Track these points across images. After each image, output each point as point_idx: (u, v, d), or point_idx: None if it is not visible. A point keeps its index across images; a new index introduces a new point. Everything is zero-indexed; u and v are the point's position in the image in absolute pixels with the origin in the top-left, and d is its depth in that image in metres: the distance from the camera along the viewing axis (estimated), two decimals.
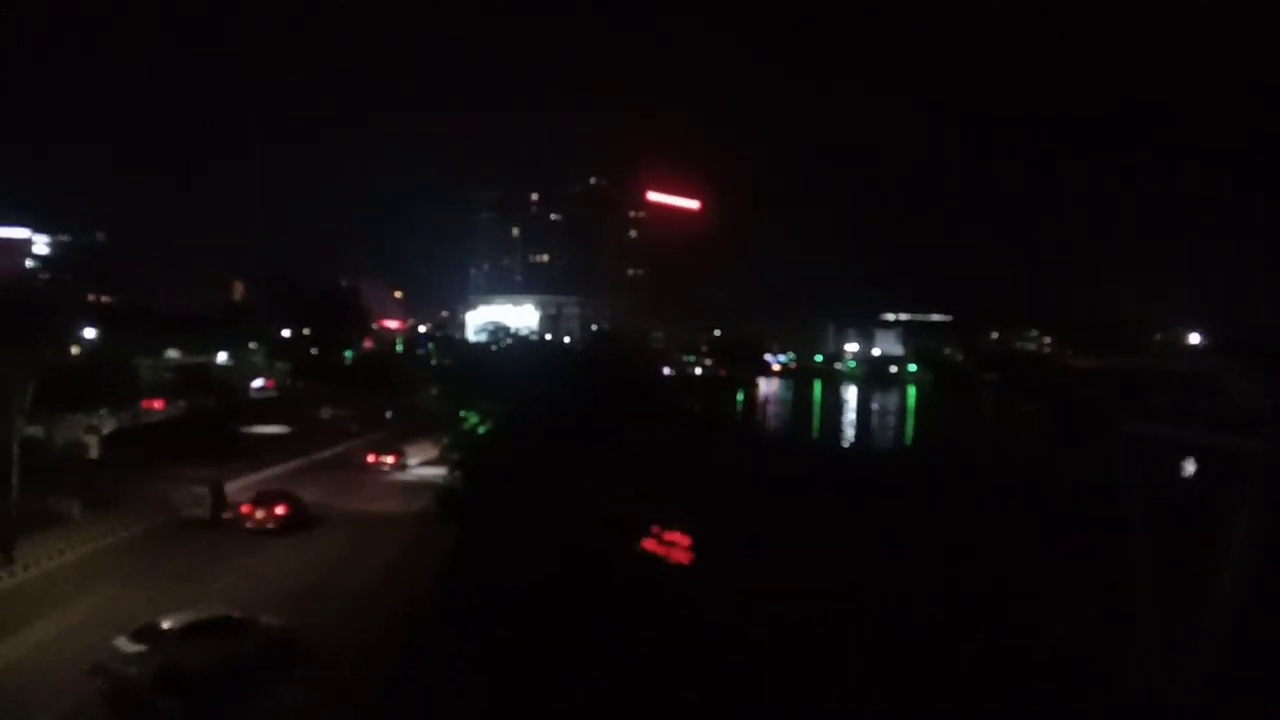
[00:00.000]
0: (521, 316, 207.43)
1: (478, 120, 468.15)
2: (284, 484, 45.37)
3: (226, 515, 39.70)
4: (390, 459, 55.39)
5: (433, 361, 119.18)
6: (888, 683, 24.91)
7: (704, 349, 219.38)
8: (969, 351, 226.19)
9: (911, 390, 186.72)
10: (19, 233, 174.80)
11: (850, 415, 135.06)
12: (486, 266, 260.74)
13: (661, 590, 33.42)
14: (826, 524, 44.20)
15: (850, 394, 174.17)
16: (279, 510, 38.76)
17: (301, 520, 39.22)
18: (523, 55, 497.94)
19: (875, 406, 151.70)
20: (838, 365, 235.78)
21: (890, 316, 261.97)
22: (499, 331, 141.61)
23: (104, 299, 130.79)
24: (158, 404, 66.10)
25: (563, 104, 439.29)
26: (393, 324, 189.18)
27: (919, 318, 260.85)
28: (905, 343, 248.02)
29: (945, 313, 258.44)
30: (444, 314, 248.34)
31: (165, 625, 21.99)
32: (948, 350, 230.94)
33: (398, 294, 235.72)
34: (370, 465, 55.06)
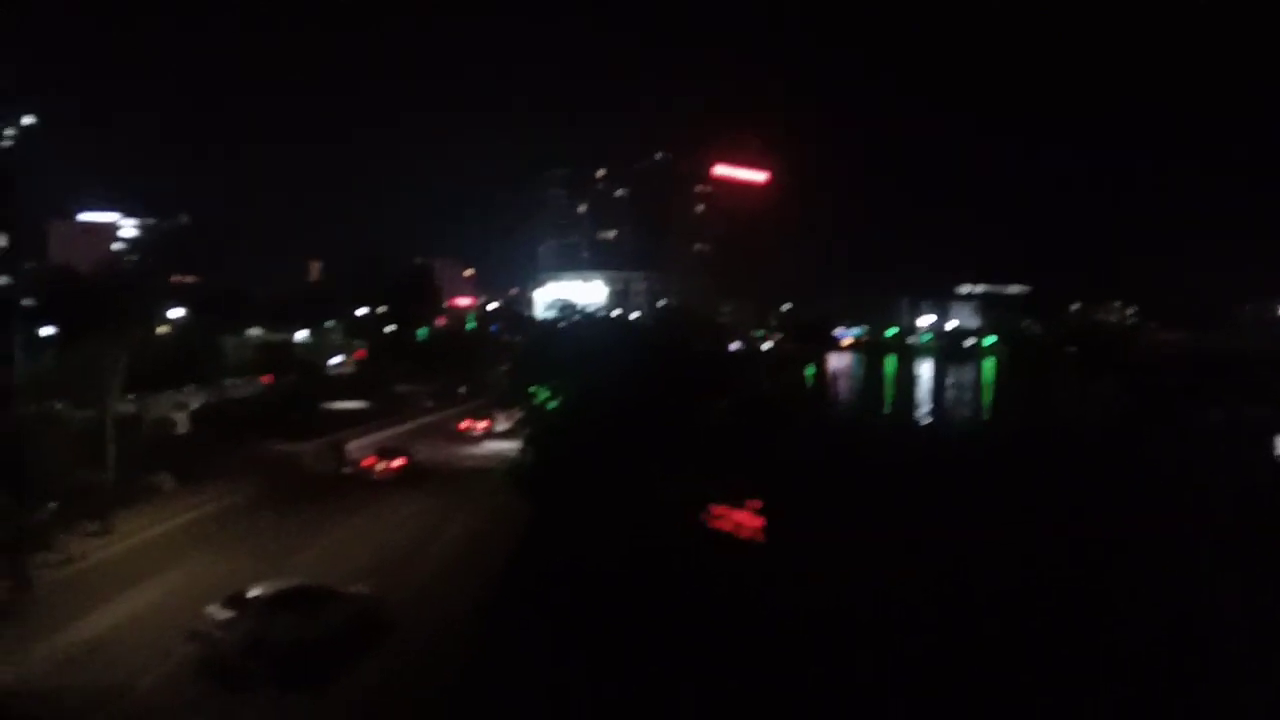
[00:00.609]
0: (589, 293, 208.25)
1: (546, 98, 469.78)
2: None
3: (347, 469, 45.40)
4: (483, 425, 59.67)
5: (503, 338, 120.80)
6: (959, 665, 24.55)
7: (773, 324, 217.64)
8: (1048, 324, 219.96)
9: (988, 365, 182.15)
10: (107, 217, 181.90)
11: (924, 391, 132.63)
12: (555, 243, 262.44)
13: (731, 569, 33.50)
14: (900, 502, 43.70)
15: (924, 369, 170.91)
16: (397, 463, 44.90)
17: (415, 472, 44.70)
18: (589, 32, 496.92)
19: (950, 381, 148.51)
20: (911, 339, 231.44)
21: (966, 289, 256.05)
22: (567, 308, 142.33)
23: (189, 280, 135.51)
24: (266, 379, 70.08)
25: (630, 80, 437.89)
26: (464, 301, 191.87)
27: (996, 289, 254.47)
28: (982, 315, 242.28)
29: (1024, 284, 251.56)
30: (513, 291, 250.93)
31: (254, 594, 22.79)
32: (1026, 323, 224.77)
33: (468, 272, 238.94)
34: (461, 431, 59.85)
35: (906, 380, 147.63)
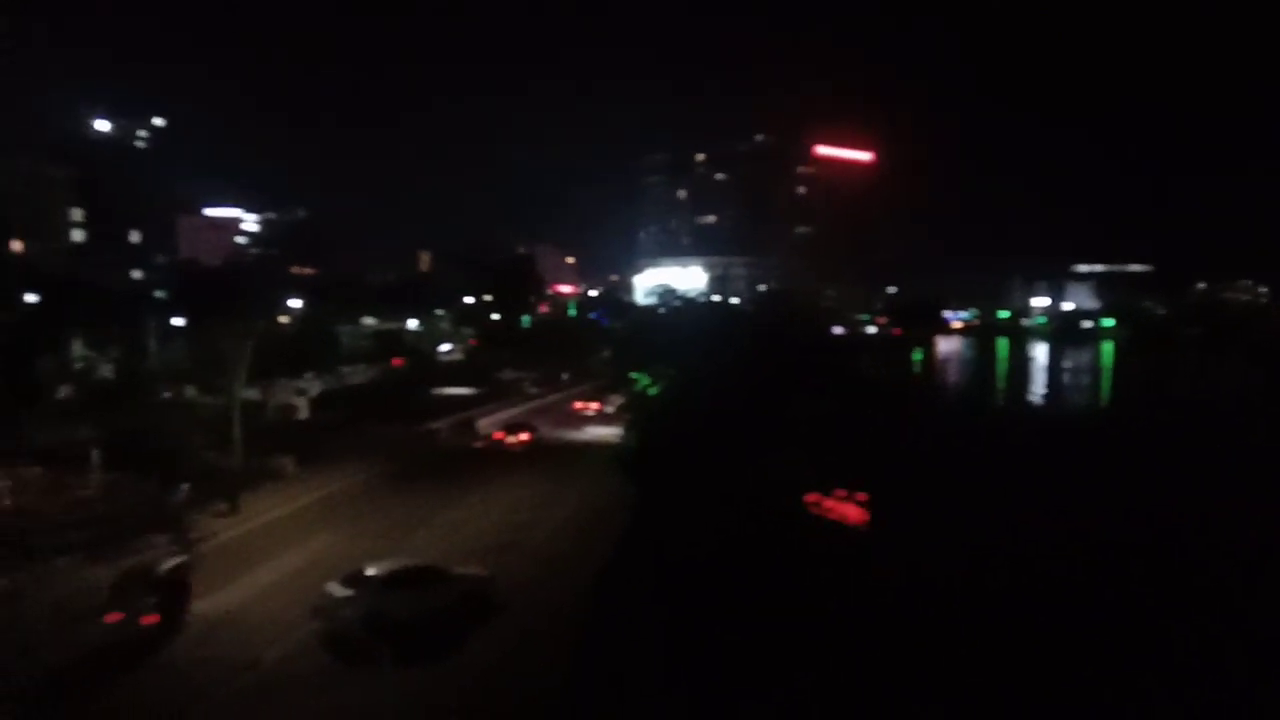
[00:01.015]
0: (689, 278, 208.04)
1: (646, 85, 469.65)
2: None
3: (478, 444, 50.30)
4: (595, 406, 63.26)
5: (604, 325, 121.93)
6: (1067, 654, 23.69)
7: (878, 307, 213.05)
8: (1172, 304, 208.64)
9: (1106, 348, 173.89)
10: (232, 212, 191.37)
11: (1038, 375, 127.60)
12: (654, 229, 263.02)
13: (833, 555, 33.12)
14: (1010, 490, 42.33)
15: (1039, 352, 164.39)
16: (525, 436, 50.50)
17: (539, 446, 49.63)
18: (688, 15, 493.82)
19: (1067, 365, 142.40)
20: (1024, 321, 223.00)
21: (1083, 268, 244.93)
22: (667, 294, 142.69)
23: (307, 271, 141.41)
24: (396, 362, 73.80)
25: (729, 62, 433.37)
26: (565, 289, 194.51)
27: (1116, 268, 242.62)
28: (1100, 296, 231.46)
29: (1145, 263, 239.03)
30: (613, 278, 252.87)
31: (371, 573, 23.74)
32: (1147, 303, 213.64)
33: (570, 260, 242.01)
34: (575, 411, 63.80)
35: (1020, 364, 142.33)
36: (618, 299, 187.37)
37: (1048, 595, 28.00)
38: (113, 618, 21.48)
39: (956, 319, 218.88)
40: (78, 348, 55.08)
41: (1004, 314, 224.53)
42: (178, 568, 24.27)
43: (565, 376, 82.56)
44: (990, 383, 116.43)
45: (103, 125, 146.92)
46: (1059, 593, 28.45)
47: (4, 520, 31.33)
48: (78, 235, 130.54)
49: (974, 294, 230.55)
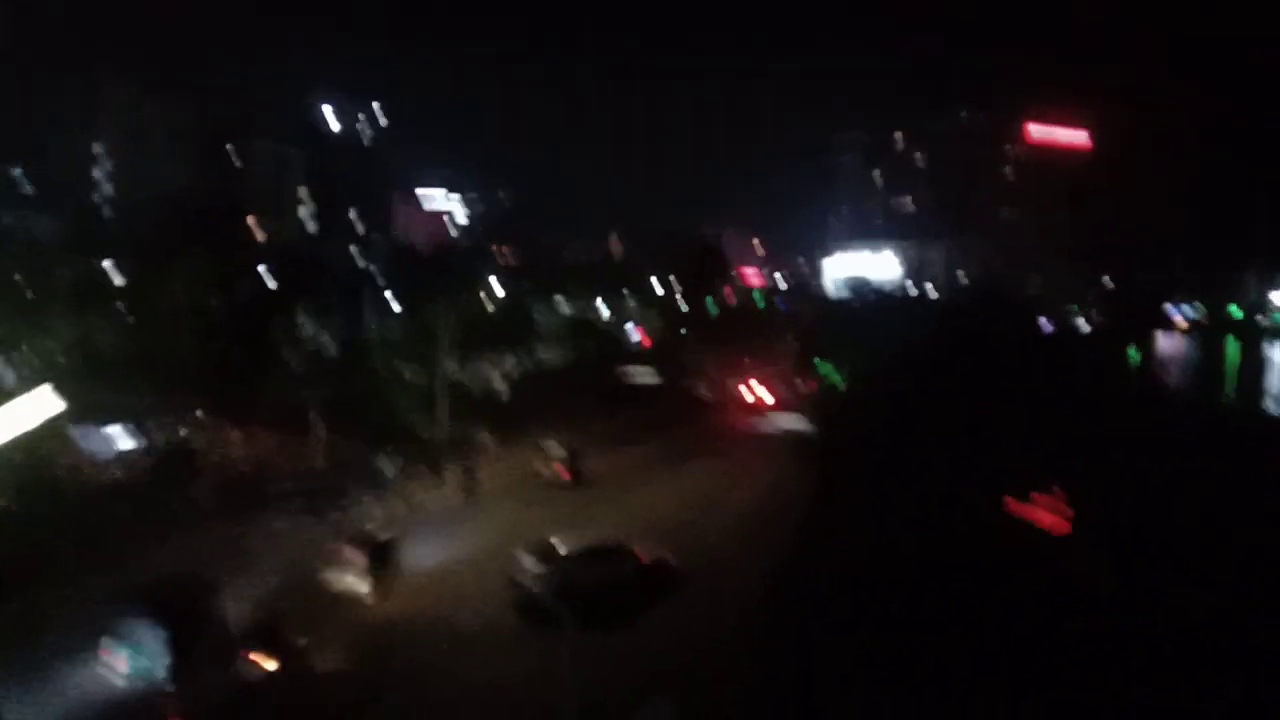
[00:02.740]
0: (881, 263, 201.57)
1: (841, 59, 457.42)
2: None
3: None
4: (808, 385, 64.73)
5: (791, 309, 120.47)
6: None
7: (1090, 299, 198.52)
8: None
9: None
10: (440, 194, 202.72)
11: (1276, 379, 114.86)
12: (846, 211, 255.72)
13: (1035, 559, 31.37)
14: (1243, 503, 38.40)
15: (1278, 354, 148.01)
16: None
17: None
18: None
19: None
20: (1260, 318, 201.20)
21: None
22: (859, 285, 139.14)
23: (506, 251, 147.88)
24: (645, 341, 78.16)
25: (930, 34, 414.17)
26: (751, 271, 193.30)
27: None
28: None
29: None
30: (800, 260, 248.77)
31: (561, 548, 24.93)
32: None
33: (756, 242, 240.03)
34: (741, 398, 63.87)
35: (1254, 365, 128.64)
36: (805, 283, 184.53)
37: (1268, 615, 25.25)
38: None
39: (1180, 314, 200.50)
40: (303, 320, 60.24)
41: (1236, 309, 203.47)
42: (391, 539, 26.48)
43: (749, 361, 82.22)
44: (1217, 385, 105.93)
45: (330, 113, 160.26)
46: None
47: (240, 476, 34.92)
48: (304, 214, 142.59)
49: (1201, 286, 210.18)
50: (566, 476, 35.98)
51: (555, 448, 36.83)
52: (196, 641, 18.72)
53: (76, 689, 18.41)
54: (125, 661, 18.37)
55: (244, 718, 18.13)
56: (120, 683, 18.50)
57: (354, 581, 23.96)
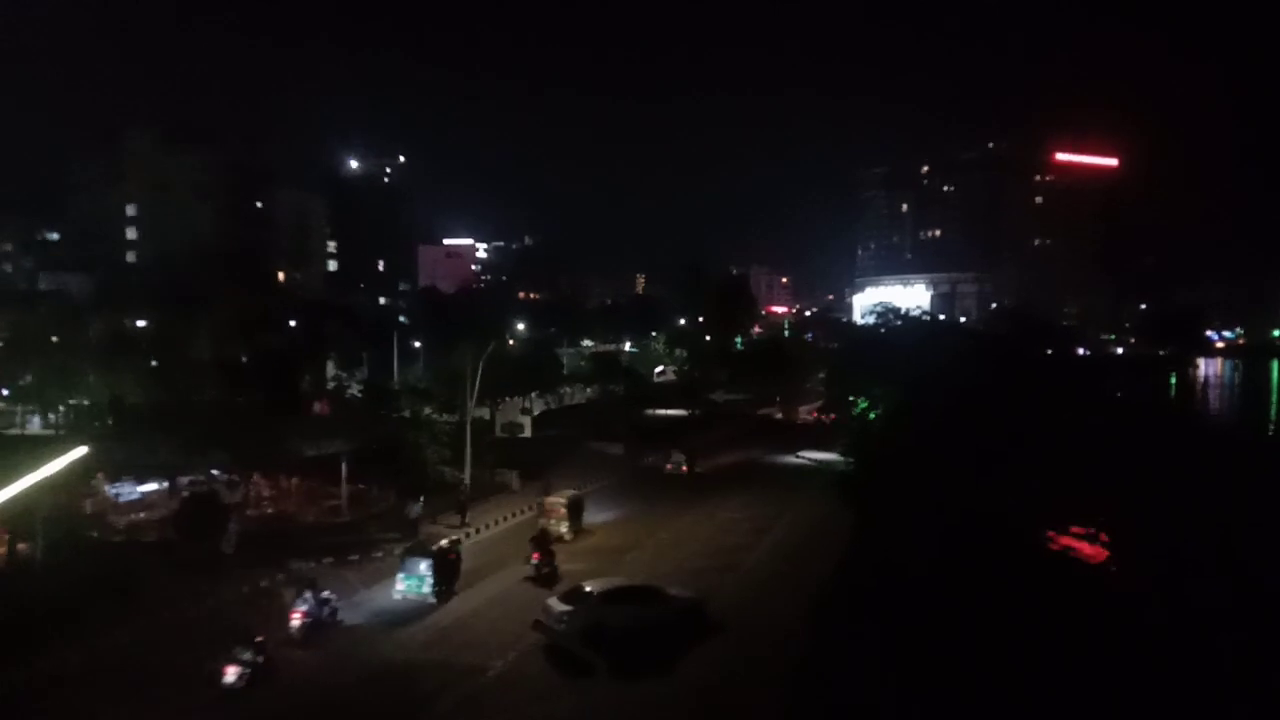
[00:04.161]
0: (911, 297, 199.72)
1: (864, 94, 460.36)
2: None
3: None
4: (830, 416, 67.66)
5: (820, 345, 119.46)
6: None
7: (1127, 325, 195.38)
8: None
9: None
10: (466, 241, 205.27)
11: None
12: (874, 246, 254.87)
13: (1071, 588, 30.44)
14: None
15: None
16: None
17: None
18: (903, 21, 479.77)
19: None
20: None
21: None
22: (887, 313, 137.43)
23: (532, 296, 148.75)
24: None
25: (953, 66, 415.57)
26: (780, 309, 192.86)
27: None
28: None
29: None
30: (829, 297, 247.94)
31: (589, 589, 24.36)
32: None
33: (784, 280, 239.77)
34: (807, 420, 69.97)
35: None
36: (834, 319, 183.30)
37: None
38: None
39: (1220, 338, 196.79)
40: (330, 367, 60.64)
41: (1279, 333, 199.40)
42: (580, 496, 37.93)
43: (779, 399, 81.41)
44: (1260, 412, 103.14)
45: (354, 163, 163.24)
46: None
47: (268, 525, 34.85)
48: (332, 264, 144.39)
49: (1242, 309, 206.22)
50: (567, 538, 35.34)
51: (557, 501, 36.42)
52: (450, 577, 27.97)
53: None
54: (403, 584, 27.24)
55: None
56: (400, 598, 27.05)
57: (559, 525, 34.76)
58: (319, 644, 23.49)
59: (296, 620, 23.52)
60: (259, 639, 21.14)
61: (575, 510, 36.01)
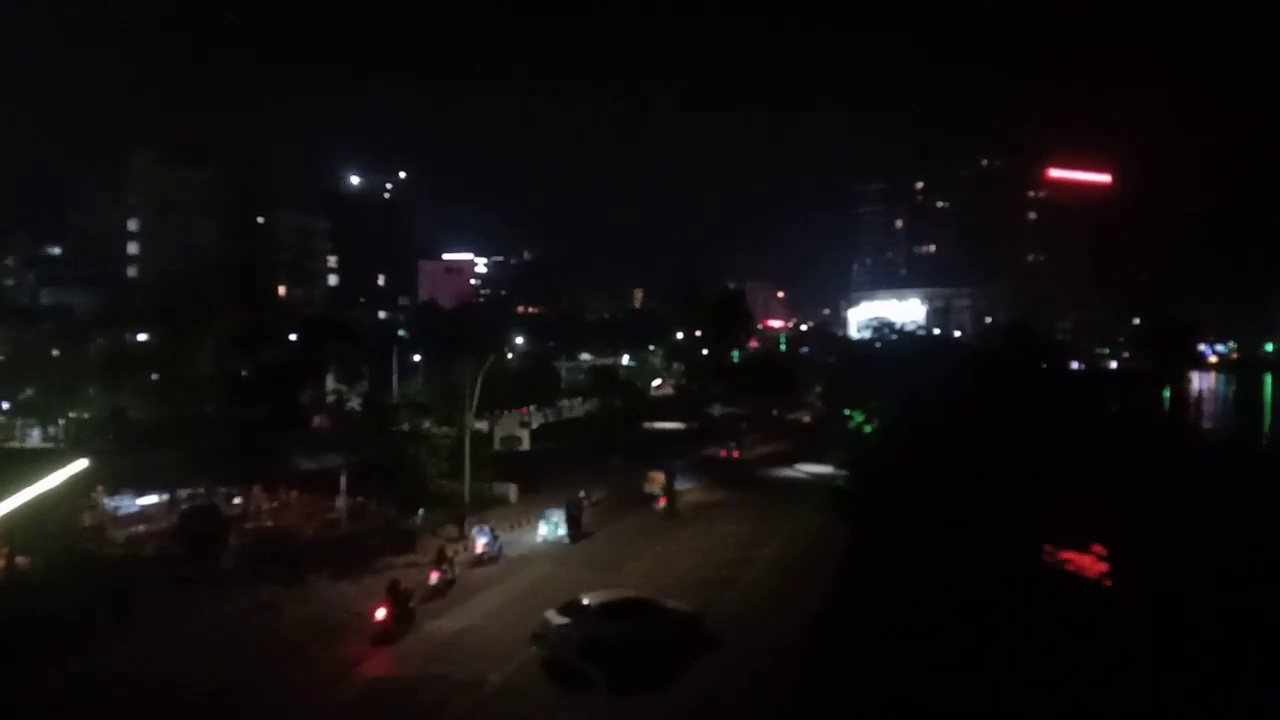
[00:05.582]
0: (906, 312, 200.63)
1: (859, 111, 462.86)
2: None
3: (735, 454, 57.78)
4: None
5: (816, 360, 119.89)
6: None
7: (1120, 339, 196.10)
8: None
9: None
10: (465, 257, 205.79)
11: None
12: (869, 261, 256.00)
13: (1069, 602, 30.56)
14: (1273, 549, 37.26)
15: None
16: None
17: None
18: (895, 38, 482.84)
19: None
20: None
21: None
22: (883, 328, 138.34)
23: (531, 310, 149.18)
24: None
25: (946, 83, 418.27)
26: (776, 324, 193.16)
27: None
28: None
29: None
30: (825, 312, 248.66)
31: (586, 602, 24.45)
32: None
33: (780, 294, 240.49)
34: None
35: None
36: (830, 333, 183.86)
37: None
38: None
39: (1213, 352, 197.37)
40: (330, 381, 60.89)
41: (1271, 347, 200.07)
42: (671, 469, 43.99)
43: (775, 413, 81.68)
44: (1253, 426, 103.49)
45: (354, 179, 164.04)
46: None
47: (269, 539, 35.00)
48: (332, 280, 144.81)
49: (1235, 323, 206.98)
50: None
51: (555, 514, 36.73)
52: (576, 525, 35.96)
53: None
54: (544, 529, 35.76)
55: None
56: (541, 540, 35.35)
57: (655, 489, 42.80)
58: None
59: (479, 549, 32.39)
60: (451, 556, 30.20)
61: (671, 479, 42.34)
